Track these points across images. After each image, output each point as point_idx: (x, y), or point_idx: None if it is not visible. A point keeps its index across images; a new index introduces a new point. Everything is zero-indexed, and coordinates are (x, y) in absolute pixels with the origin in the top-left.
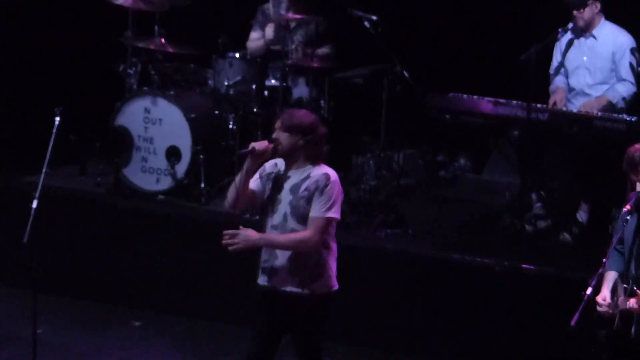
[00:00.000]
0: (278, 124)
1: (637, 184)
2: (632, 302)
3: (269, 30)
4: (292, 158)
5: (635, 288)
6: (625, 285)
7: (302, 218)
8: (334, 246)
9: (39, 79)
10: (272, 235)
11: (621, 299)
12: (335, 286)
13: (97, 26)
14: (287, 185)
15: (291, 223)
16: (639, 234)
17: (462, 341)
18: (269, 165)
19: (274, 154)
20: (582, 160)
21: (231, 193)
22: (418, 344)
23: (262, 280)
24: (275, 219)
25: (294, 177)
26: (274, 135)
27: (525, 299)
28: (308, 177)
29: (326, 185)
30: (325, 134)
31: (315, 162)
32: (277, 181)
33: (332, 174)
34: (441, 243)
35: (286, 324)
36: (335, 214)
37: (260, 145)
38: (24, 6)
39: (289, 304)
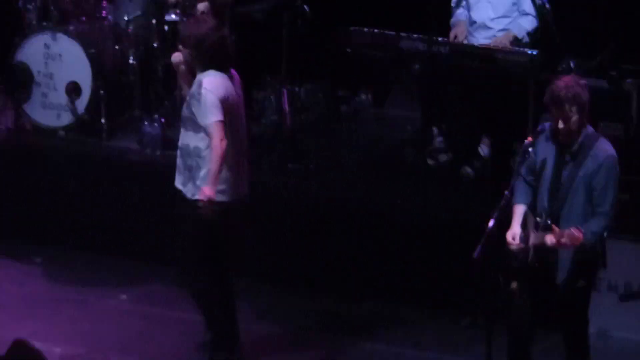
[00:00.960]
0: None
1: (559, 122)
2: (548, 237)
3: None
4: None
5: (549, 222)
6: (538, 219)
7: (192, 126)
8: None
9: None
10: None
11: (533, 233)
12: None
13: None
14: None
15: (189, 132)
16: (553, 168)
17: (360, 280)
18: None
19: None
20: (483, 94)
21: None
22: (317, 280)
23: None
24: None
25: (193, 86)
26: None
27: (426, 237)
28: (199, 84)
29: (199, 93)
30: (218, 40)
31: (204, 69)
32: None
33: (208, 81)
34: (342, 179)
35: None
36: (215, 117)
37: (175, 58)
38: None
39: None
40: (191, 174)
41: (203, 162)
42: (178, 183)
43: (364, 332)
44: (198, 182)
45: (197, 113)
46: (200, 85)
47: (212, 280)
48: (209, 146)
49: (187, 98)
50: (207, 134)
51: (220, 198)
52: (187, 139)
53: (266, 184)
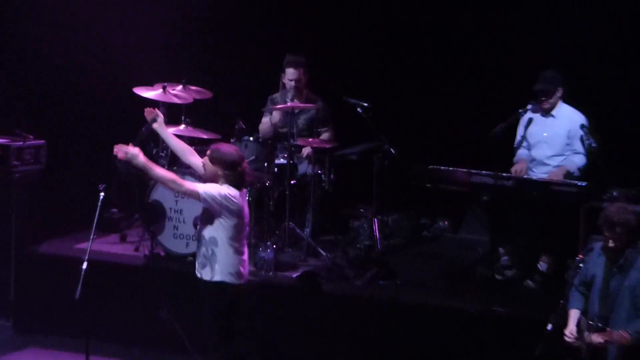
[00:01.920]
0: (208, 152)
1: (609, 241)
2: (598, 337)
3: (276, 115)
4: (214, 180)
5: (600, 325)
6: (590, 322)
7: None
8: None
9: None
10: (152, 164)
11: (586, 333)
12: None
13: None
14: None
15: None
16: (603, 280)
17: None
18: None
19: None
20: (542, 218)
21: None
22: None
23: None
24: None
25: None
26: (202, 161)
27: (496, 338)
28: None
29: (224, 197)
30: (244, 170)
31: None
32: None
33: (228, 188)
34: (425, 292)
35: None
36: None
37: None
38: None
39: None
40: (207, 260)
41: (218, 250)
42: (199, 270)
43: None
44: (217, 268)
45: (207, 207)
46: (224, 192)
47: (228, 351)
48: (224, 237)
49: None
50: (220, 225)
51: (235, 281)
52: (203, 231)
53: (361, 298)
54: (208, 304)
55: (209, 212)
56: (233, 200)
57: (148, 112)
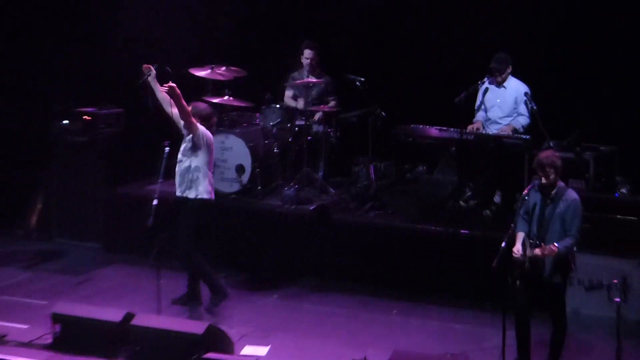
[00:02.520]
0: (189, 108)
1: (542, 179)
2: (537, 251)
3: (295, 89)
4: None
5: (538, 242)
6: (531, 241)
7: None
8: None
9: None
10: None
11: (529, 249)
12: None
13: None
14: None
15: (190, 157)
16: (539, 209)
17: (423, 280)
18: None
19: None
20: (496, 163)
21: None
22: (395, 283)
23: None
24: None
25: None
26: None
27: (462, 252)
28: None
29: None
30: (215, 121)
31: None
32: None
33: (204, 130)
34: (407, 218)
35: None
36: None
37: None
38: None
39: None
40: (193, 183)
41: (201, 175)
42: (180, 193)
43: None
44: (200, 188)
45: (197, 142)
46: (203, 131)
47: (199, 255)
48: (204, 165)
49: (187, 138)
50: (202, 156)
51: (211, 197)
52: (188, 162)
53: (360, 224)
54: (190, 218)
55: (195, 146)
56: (210, 138)
57: (145, 67)
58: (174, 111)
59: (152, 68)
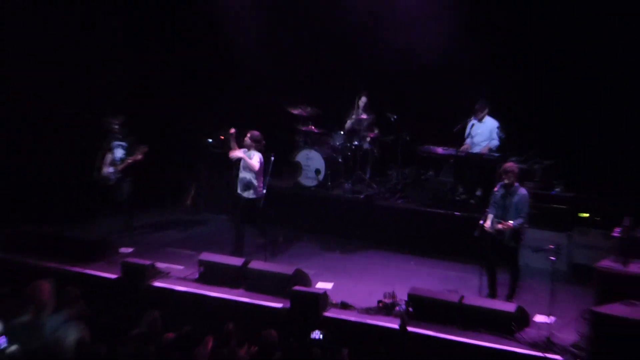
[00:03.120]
0: (248, 135)
1: (505, 181)
2: (500, 226)
3: (353, 122)
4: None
5: (501, 220)
6: (496, 219)
7: (248, 170)
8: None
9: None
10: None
11: (496, 225)
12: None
13: (284, 122)
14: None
15: (246, 172)
16: (502, 199)
17: (430, 243)
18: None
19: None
20: (478, 171)
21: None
22: (412, 245)
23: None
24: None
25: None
26: (247, 136)
27: (456, 227)
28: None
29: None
30: (264, 144)
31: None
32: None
33: (260, 156)
34: (422, 204)
35: None
36: (257, 163)
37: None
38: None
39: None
40: (248, 187)
41: (252, 184)
42: (240, 191)
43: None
44: (252, 191)
45: (250, 164)
46: (257, 156)
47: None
48: (255, 177)
49: (243, 161)
50: (253, 170)
51: (259, 197)
52: (245, 174)
53: (392, 207)
54: (247, 210)
55: (248, 165)
56: (261, 158)
57: (232, 131)
58: (233, 155)
59: (234, 131)
